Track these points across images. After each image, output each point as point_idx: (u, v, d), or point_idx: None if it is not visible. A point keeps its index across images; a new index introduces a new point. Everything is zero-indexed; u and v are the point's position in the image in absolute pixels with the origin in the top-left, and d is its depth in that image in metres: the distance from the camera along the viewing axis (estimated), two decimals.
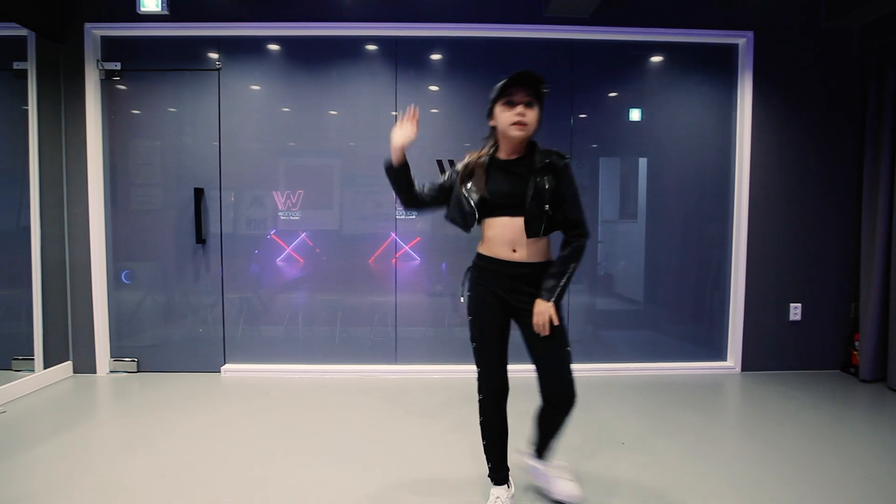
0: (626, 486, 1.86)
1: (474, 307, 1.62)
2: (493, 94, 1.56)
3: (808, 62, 3.15)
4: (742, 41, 3.14)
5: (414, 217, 3.17)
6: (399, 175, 1.61)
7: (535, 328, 1.53)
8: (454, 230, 2.02)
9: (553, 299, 1.51)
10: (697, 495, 1.80)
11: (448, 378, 3.09)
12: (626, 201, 3.33)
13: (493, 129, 1.61)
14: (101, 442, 2.24)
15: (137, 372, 3.19)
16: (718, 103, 3.23)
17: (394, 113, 3.14)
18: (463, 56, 3.14)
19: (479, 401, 1.64)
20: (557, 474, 1.74)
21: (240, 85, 3.13)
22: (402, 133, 1.57)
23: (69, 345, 3.15)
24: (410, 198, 1.65)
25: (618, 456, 2.10)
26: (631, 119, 3.22)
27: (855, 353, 3.15)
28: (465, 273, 1.68)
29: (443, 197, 1.66)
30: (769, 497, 1.79)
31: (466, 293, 1.65)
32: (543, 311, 1.51)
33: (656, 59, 3.20)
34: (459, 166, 1.64)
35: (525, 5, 3.05)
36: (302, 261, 3.22)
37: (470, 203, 1.56)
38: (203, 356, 3.20)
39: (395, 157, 1.59)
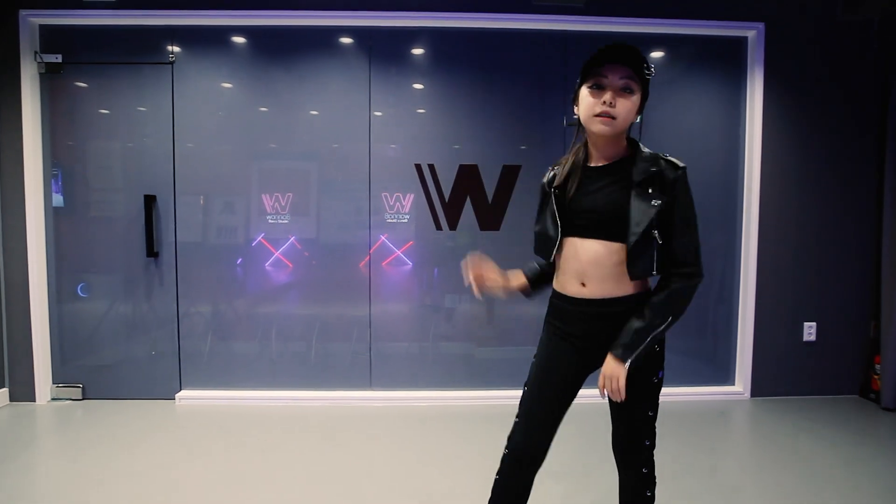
0: None
1: (539, 349, 1.31)
2: (582, 75, 1.18)
3: (823, 56, 2.87)
4: (752, 33, 2.85)
5: (406, 221, 2.88)
6: (538, 289, 1.39)
7: (602, 394, 1.18)
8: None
9: (629, 360, 1.12)
10: None
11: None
12: None
13: (579, 122, 1.22)
14: (39, 483, 1.93)
15: (82, 399, 2.86)
16: (725, 101, 2.94)
17: (378, 114, 2.83)
18: (446, 49, 2.84)
19: (503, 455, 1.30)
20: None
21: (197, 80, 2.82)
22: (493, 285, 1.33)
23: (4, 370, 2.82)
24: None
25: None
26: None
27: (875, 377, 2.87)
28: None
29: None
30: None
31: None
32: (611, 373, 1.14)
33: (657, 52, 2.91)
34: (551, 177, 1.29)
35: None
36: (291, 265, 2.91)
37: (556, 221, 1.21)
38: (156, 381, 2.88)
39: (518, 288, 1.36)
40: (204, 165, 2.84)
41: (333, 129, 2.86)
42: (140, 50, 2.79)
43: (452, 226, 2.87)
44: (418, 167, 2.84)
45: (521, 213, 2.87)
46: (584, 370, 1.26)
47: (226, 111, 2.85)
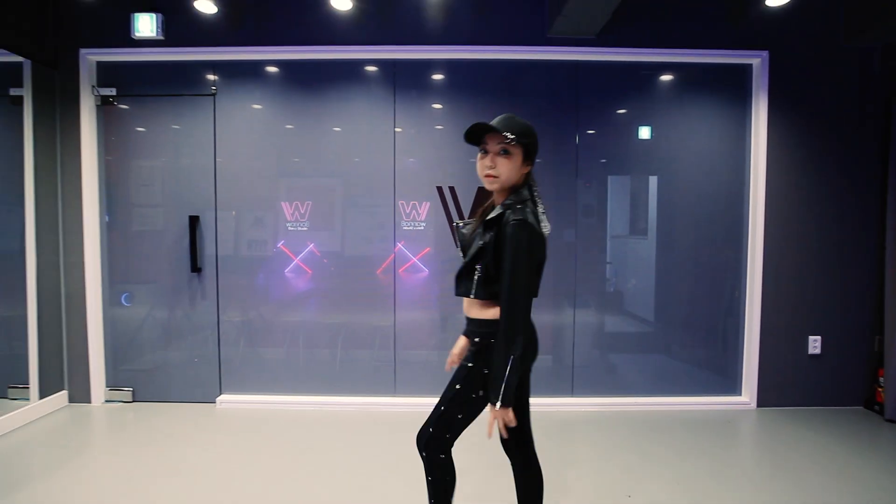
0: None
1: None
2: (470, 139, 1.42)
3: (826, 82, 2.99)
4: (756, 61, 2.99)
5: (422, 228, 3.09)
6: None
7: (491, 435, 1.34)
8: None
9: (499, 402, 1.28)
10: None
11: None
12: (635, 219, 3.21)
13: None
14: (98, 479, 2.18)
15: (132, 402, 3.14)
16: (731, 124, 3.08)
17: (398, 129, 3.05)
18: (465, 78, 3.05)
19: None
20: None
21: (236, 109, 3.07)
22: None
23: (64, 374, 3.11)
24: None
25: None
26: (639, 138, 3.09)
27: (879, 389, 2.97)
28: None
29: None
30: None
31: None
32: (491, 419, 1.30)
33: (666, 78, 3.08)
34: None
35: (528, 26, 2.94)
36: (310, 272, 3.14)
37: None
38: (199, 386, 3.13)
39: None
40: (242, 186, 3.09)
41: (358, 147, 3.08)
42: (185, 82, 3.06)
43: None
44: (440, 189, 3.05)
45: None
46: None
47: (262, 136, 3.09)
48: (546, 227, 1.41)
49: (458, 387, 1.43)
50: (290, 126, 3.08)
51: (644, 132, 3.10)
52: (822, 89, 2.99)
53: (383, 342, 3.13)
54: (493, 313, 1.39)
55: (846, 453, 2.50)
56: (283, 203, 3.10)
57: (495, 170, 1.36)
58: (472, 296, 1.40)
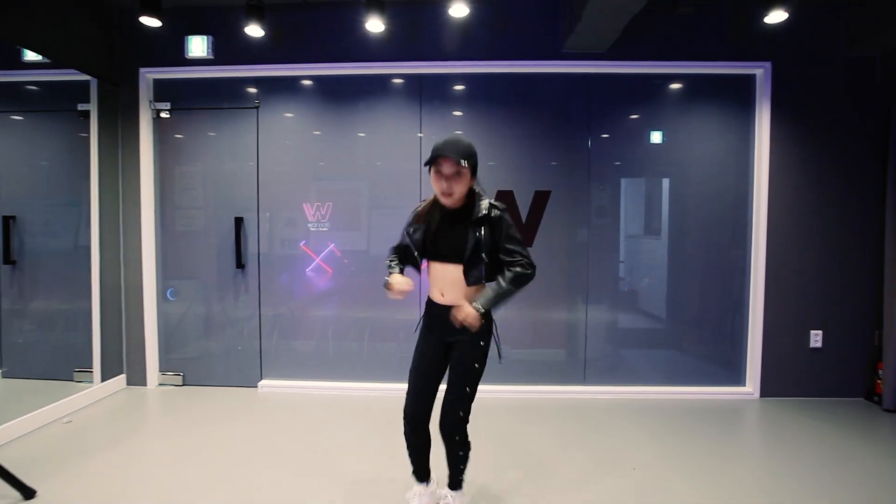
0: None
1: (417, 342, 1.84)
2: (427, 161, 1.68)
3: (827, 91, 3.17)
4: (759, 71, 3.19)
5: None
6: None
7: (453, 320, 1.64)
8: None
9: (480, 305, 1.63)
10: None
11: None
12: (646, 220, 3.42)
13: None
14: (155, 452, 2.49)
15: (182, 385, 3.47)
16: (736, 131, 3.28)
17: (420, 134, 3.32)
18: (485, 88, 3.30)
19: (404, 425, 1.80)
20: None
21: (276, 120, 3.38)
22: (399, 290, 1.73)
23: (123, 359, 3.45)
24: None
25: (628, 482, 2.20)
26: (650, 143, 3.30)
27: (879, 381, 3.13)
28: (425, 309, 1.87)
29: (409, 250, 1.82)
30: None
31: (419, 326, 1.87)
32: (467, 312, 1.62)
33: (673, 88, 3.29)
34: (413, 214, 1.82)
35: (543, 43, 3.19)
36: (330, 271, 3.43)
37: (413, 251, 1.77)
38: (242, 372, 3.45)
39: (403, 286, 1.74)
40: (281, 189, 3.40)
41: (385, 152, 3.35)
42: (231, 97, 3.38)
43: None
44: None
45: (551, 231, 3.29)
46: (446, 350, 1.77)
47: (298, 144, 3.40)
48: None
49: (476, 366, 1.71)
50: (321, 133, 3.38)
51: (654, 138, 3.31)
52: (823, 97, 3.17)
53: (407, 335, 3.39)
54: (476, 296, 1.71)
55: (844, 438, 2.67)
56: (315, 204, 3.39)
57: (452, 190, 1.65)
58: (483, 282, 1.69)
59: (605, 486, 2.17)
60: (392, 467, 2.28)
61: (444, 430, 1.74)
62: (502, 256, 1.69)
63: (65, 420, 2.85)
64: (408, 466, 1.86)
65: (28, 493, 2.02)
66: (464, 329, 1.66)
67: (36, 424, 2.74)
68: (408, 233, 1.79)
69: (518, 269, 1.67)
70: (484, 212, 1.67)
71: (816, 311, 3.23)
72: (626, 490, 2.14)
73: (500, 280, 1.67)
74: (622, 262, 3.41)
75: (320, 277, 3.44)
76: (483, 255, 1.67)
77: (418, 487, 1.86)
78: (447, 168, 1.64)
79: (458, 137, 1.68)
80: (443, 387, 1.79)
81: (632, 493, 2.11)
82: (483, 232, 1.66)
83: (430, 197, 1.80)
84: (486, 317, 1.72)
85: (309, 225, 3.41)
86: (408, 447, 1.82)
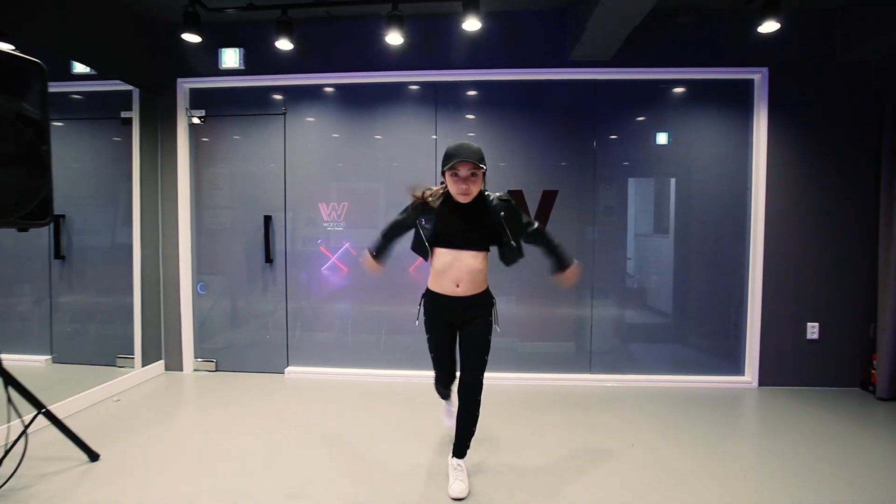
0: (628, 482, 2.17)
1: (428, 329, 2.09)
2: (443, 164, 1.91)
3: (823, 94, 3.32)
4: (757, 76, 3.35)
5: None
6: (384, 253, 2.20)
7: (567, 281, 2.07)
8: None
9: (574, 263, 2.07)
10: (696, 495, 2.08)
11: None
12: (649, 219, 3.60)
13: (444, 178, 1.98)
14: (195, 425, 2.76)
15: (216, 371, 3.75)
16: (736, 133, 3.45)
17: (434, 136, 3.55)
18: (496, 94, 3.52)
19: (436, 385, 2.31)
20: (455, 471, 2.06)
21: (301, 125, 3.64)
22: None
23: (162, 346, 3.75)
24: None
25: (625, 456, 2.40)
26: (654, 145, 3.49)
27: (873, 371, 3.27)
28: (421, 298, 2.12)
29: (402, 232, 2.10)
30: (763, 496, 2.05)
31: (422, 317, 2.11)
32: (572, 272, 2.07)
33: (675, 92, 3.47)
34: (422, 195, 2.01)
35: (551, 52, 3.40)
36: (346, 269, 3.67)
37: (423, 235, 1.99)
38: (270, 359, 3.72)
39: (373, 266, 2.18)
40: (307, 190, 3.66)
41: (402, 153, 3.59)
42: (260, 104, 3.65)
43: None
44: None
45: (559, 229, 3.49)
46: (455, 331, 2.06)
47: (322, 147, 3.65)
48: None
49: (489, 338, 1.97)
50: (343, 136, 3.63)
51: (658, 140, 3.49)
52: (818, 101, 3.32)
53: (421, 328, 3.62)
54: (485, 282, 2.06)
55: (839, 424, 2.81)
56: (331, 203, 3.64)
57: (470, 190, 1.90)
58: (508, 265, 2.01)
59: (599, 456, 2.37)
60: (407, 437, 2.52)
61: (467, 394, 1.98)
62: (532, 234, 2.04)
63: (115, 398, 3.15)
64: (420, 437, 2.09)
65: (93, 455, 2.30)
66: (475, 312, 1.95)
67: (89, 402, 3.04)
68: (420, 224, 2.00)
69: (542, 230, 2.07)
70: (496, 203, 1.95)
71: (813, 305, 3.39)
72: (622, 462, 2.34)
73: (552, 244, 2.08)
74: (629, 258, 3.60)
75: (338, 274, 3.69)
76: (513, 241, 1.96)
77: (445, 403, 2.46)
78: (464, 171, 1.86)
79: (469, 143, 1.89)
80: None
81: (627, 465, 2.31)
82: (503, 215, 1.94)
83: (437, 190, 2.00)
84: (490, 296, 2.03)
85: (325, 224, 3.66)
86: (441, 396, 2.40)
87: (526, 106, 3.51)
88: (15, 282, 3.77)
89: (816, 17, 3.30)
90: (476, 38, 3.40)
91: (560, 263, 2.07)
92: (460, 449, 2.08)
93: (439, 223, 1.95)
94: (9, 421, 2.10)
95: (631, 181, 3.56)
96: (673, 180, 3.54)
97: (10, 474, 2.05)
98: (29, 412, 2.14)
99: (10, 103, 1.88)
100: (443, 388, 2.32)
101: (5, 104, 1.86)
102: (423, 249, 2.02)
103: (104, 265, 3.74)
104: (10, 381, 2.06)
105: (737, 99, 3.43)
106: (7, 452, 2.05)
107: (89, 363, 3.68)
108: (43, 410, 2.16)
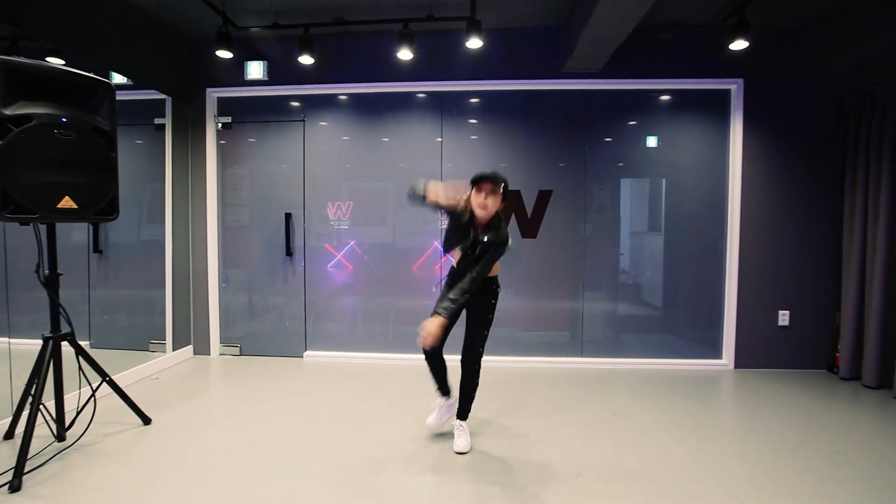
0: (607, 440, 2.51)
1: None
2: (471, 182, 2.22)
3: (793, 104, 3.66)
4: (734, 87, 3.69)
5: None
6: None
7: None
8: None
9: (443, 315, 2.19)
10: (670, 455, 2.43)
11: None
12: (637, 218, 3.94)
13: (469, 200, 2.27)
14: (226, 399, 3.12)
15: (240, 355, 4.11)
16: (715, 138, 3.78)
17: (439, 139, 3.90)
18: (496, 102, 3.87)
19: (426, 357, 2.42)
20: (459, 430, 2.42)
21: (318, 130, 4.00)
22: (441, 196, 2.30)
23: (190, 333, 4.10)
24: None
25: (606, 422, 2.74)
26: (641, 149, 3.82)
27: (838, 355, 3.61)
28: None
29: (443, 210, 2.34)
30: (731, 462, 2.40)
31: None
32: (435, 326, 2.19)
33: (660, 101, 3.81)
34: (463, 203, 2.27)
35: (546, 65, 3.74)
36: (351, 267, 4.03)
37: (453, 237, 2.31)
38: (289, 344, 4.08)
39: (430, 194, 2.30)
40: (322, 190, 4.01)
41: (409, 155, 3.94)
42: (282, 111, 4.01)
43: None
44: None
45: (552, 225, 3.84)
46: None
47: (338, 150, 4.00)
48: (508, 236, 2.25)
49: (490, 316, 2.31)
50: (355, 140, 3.98)
51: (648, 143, 3.83)
52: (789, 109, 3.66)
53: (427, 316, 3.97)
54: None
55: (806, 400, 3.14)
56: (337, 203, 4.00)
57: (487, 204, 2.17)
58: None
59: (584, 422, 2.72)
60: (415, 408, 2.88)
61: (467, 362, 2.34)
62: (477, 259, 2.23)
63: (154, 377, 3.51)
64: (428, 408, 2.44)
65: (146, 420, 2.66)
66: (482, 295, 2.29)
67: (130, 380, 3.40)
68: (455, 213, 2.29)
69: (472, 275, 2.20)
70: (492, 236, 2.20)
71: (784, 294, 3.73)
72: (603, 426, 2.68)
73: (465, 280, 2.19)
74: (622, 254, 3.93)
75: (349, 269, 4.05)
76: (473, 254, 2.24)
77: (440, 400, 2.52)
78: (486, 187, 2.19)
79: (496, 170, 2.21)
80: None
81: (608, 428, 2.66)
82: (488, 238, 2.20)
83: (464, 200, 2.29)
84: (495, 282, 2.34)
85: (332, 223, 4.02)
86: (430, 372, 2.46)
87: (523, 113, 3.86)
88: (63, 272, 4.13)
89: (787, 33, 3.63)
90: (478, 52, 3.74)
91: (450, 292, 2.20)
92: (463, 412, 2.43)
93: (455, 232, 2.30)
94: (79, 387, 2.45)
95: (621, 182, 3.90)
96: (659, 181, 3.88)
97: (81, 433, 2.41)
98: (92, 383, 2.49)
99: (86, 117, 2.23)
100: (428, 357, 2.41)
101: (82, 118, 2.21)
102: (450, 245, 2.33)
103: (138, 259, 4.10)
104: (82, 352, 2.42)
105: (716, 107, 3.77)
106: (78, 414, 2.41)
107: (123, 348, 4.04)
108: (107, 378, 2.52)
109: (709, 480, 2.13)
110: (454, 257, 2.37)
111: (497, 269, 2.36)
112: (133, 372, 3.49)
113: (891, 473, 2.20)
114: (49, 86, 2.12)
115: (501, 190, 2.20)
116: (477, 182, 2.20)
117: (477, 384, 2.40)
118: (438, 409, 2.52)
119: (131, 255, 4.10)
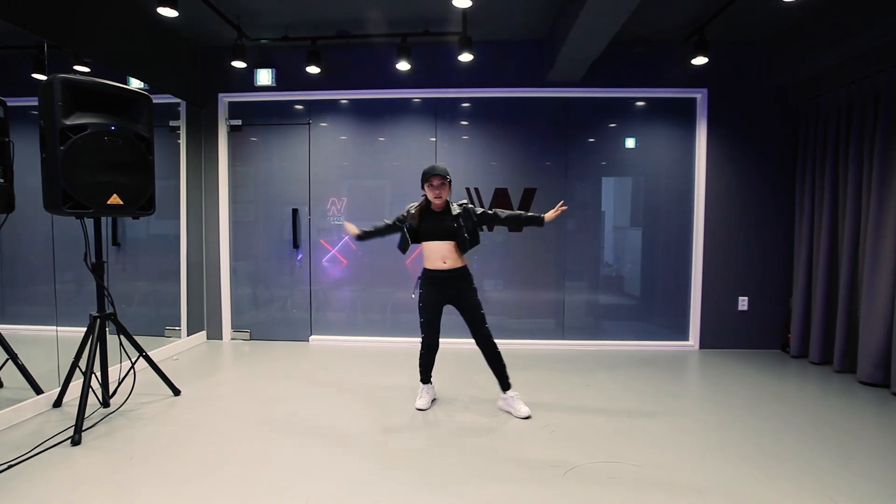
0: (578, 406, 2.91)
1: (424, 299, 2.76)
2: (422, 179, 2.67)
3: (751, 111, 4.08)
4: (699, 95, 4.10)
5: None
6: (368, 238, 2.91)
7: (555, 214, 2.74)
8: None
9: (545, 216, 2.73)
10: (630, 417, 2.83)
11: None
12: (619, 214, 4.35)
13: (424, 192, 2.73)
14: (241, 376, 3.48)
15: (250, 340, 4.46)
16: (681, 142, 4.20)
17: (432, 139, 4.27)
18: (485, 108, 4.24)
19: (420, 350, 2.85)
20: (513, 402, 2.79)
21: (323, 133, 4.34)
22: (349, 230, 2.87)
23: (204, 318, 4.44)
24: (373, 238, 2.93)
25: (579, 391, 3.14)
26: (617, 151, 4.22)
27: (789, 336, 4.05)
28: (417, 279, 2.82)
29: (390, 231, 2.83)
30: (687, 420, 2.81)
31: (419, 291, 2.80)
32: (553, 216, 2.73)
33: (634, 107, 4.21)
34: (407, 212, 2.77)
35: (531, 75, 4.13)
36: (345, 261, 4.39)
37: (407, 235, 2.74)
38: (296, 329, 4.43)
39: (354, 234, 2.87)
40: (327, 189, 4.36)
41: (405, 155, 4.30)
42: (289, 115, 4.35)
43: (490, 230, 4.27)
44: (468, 189, 4.26)
45: None
46: (444, 302, 2.73)
47: (340, 152, 4.35)
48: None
49: (477, 297, 2.71)
50: (354, 141, 4.34)
51: (626, 144, 4.23)
52: (748, 116, 4.08)
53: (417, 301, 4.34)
54: (463, 260, 2.72)
55: (761, 375, 3.55)
56: (342, 198, 4.36)
57: (441, 195, 2.64)
58: (465, 253, 2.70)
59: (561, 392, 3.12)
60: (406, 383, 3.26)
61: (485, 343, 2.72)
62: (487, 218, 2.73)
63: (174, 358, 3.85)
64: (412, 377, 2.82)
65: (176, 391, 3.02)
66: (462, 284, 2.68)
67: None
68: (406, 225, 2.75)
69: (495, 214, 2.76)
70: (457, 210, 2.68)
71: (743, 282, 4.16)
72: (577, 395, 3.09)
73: (507, 218, 2.77)
74: (602, 247, 4.33)
75: (349, 261, 4.41)
76: (466, 234, 2.67)
77: (425, 387, 2.90)
78: (437, 181, 2.62)
79: (437, 164, 2.71)
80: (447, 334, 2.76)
81: (580, 396, 3.06)
82: (460, 220, 2.66)
83: (418, 203, 2.76)
84: (469, 272, 2.76)
85: (328, 218, 4.37)
86: (421, 365, 2.86)
87: (511, 117, 4.24)
88: (81, 266, 4.44)
89: (746, 48, 4.05)
90: (469, 63, 4.11)
91: (533, 221, 2.72)
92: (504, 383, 2.80)
93: (424, 224, 2.71)
94: (120, 361, 2.80)
95: (601, 180, 4.30)
96: (631, 180, 4.29)
97: (123, 401, 2.76)
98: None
99: (128, 125, 2.57)
100: (428, 354, 2.83)
101: (126, 126, 2.55)
102: (404, 246, 2.77)
103: (153, 251, 4.43)
104: (123, 330, 2.77)
105: (684, 114, 4.18)
106: (120, 383, 2.76)
107: (141, 334, 4.35)
108: (143, 354, 2.86)
109: (665, 430, 2.54)
110: (432, 257, 2.70)
111: (464, 260, 2.74)
112: (153, 354, 3.81)
113: (815, 423, 2.64)
114: (99, 98, 2.46)
115: (449, 177, 2.65)
116: (428, 177, 2.62)
117: (501, 355, 2.76)
118: (426, 393, 2.90)
119: (145, 249, 4.42)
